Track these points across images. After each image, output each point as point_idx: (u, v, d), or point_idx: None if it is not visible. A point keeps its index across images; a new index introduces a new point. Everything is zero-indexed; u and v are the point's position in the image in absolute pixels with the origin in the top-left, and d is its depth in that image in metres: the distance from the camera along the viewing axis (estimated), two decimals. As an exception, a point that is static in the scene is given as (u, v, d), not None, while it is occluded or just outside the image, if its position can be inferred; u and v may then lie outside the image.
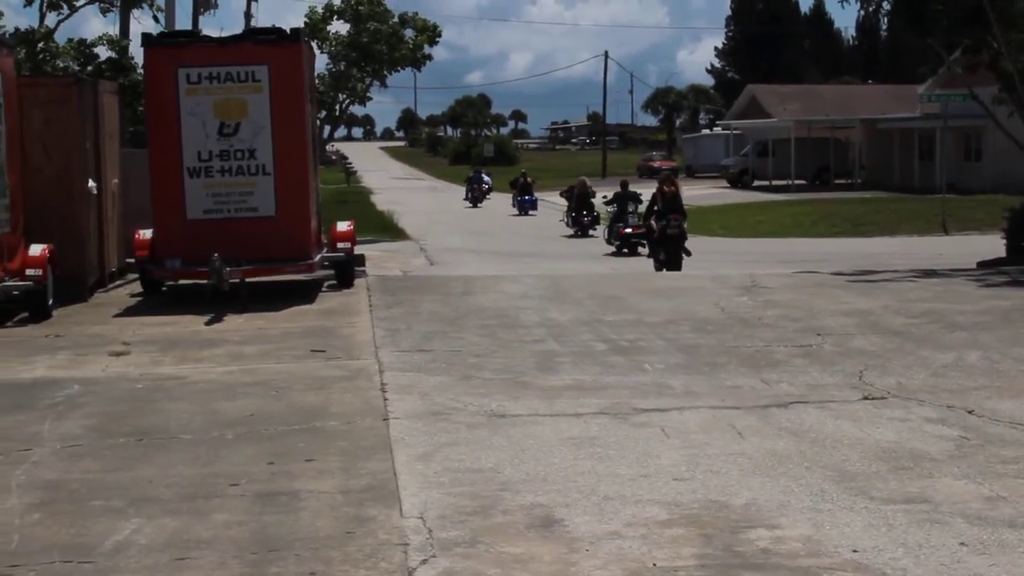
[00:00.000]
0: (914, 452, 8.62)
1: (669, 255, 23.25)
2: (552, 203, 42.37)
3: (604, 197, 35.62)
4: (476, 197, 56.68)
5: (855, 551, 6.55)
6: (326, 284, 19.73)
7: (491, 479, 8.04)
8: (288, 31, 18.62)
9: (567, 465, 8.36)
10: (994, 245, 24.58)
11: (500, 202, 55.31)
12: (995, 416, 9.73)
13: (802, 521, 7.09)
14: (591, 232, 35.79)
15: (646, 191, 56.79)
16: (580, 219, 37.48)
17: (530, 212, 49.47)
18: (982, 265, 22.83)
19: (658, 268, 23.69)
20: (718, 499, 7.53)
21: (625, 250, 30.17)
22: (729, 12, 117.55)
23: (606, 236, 32.61)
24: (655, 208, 24.27)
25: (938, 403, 10.24)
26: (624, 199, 31.74)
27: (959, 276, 20.78)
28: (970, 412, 9.89)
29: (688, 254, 23.71)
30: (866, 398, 10.48)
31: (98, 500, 7.68)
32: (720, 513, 7.26)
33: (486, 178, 59.06)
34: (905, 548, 6.59)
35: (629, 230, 30.09)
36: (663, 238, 23.48)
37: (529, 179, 52.36)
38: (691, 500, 7.52)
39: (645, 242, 26.95)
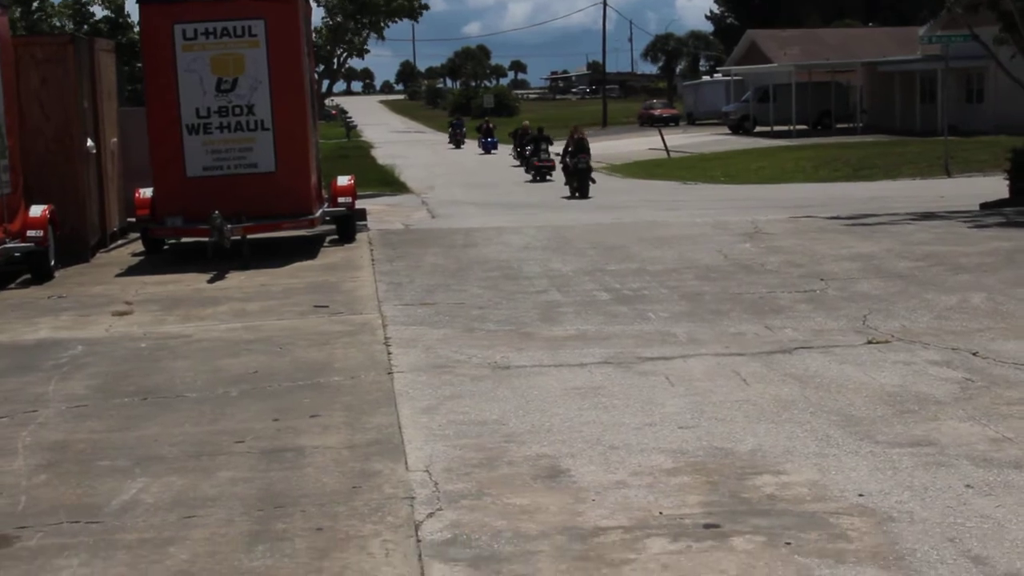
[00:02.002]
0: (919, 395, 8.61)
1: (579, 183, 30.86)
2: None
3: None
4: (458, 140, 67.90)
5: (861, 495, 6.55)
6: (328, 239, 19.73)
7: (496, 431, 8.05)
8: (284, -15, 18.48)
9: (572, 415, 8.36)
10: (997, 186, 24.47)
11: (473, 144, 63.68)
12: (1000, 357, 9.72)
13: (808, 466, 7.09)
14: (535, 163, 42.45)
15: (648, 139, 57.01)
16: (523, 153, 45.92)
17: (492, 151, 59.19)
18: (985, 207, 22.75)
19: (572, 193, 31.12)
20: (723, 446, 7.53)
21: (537, 177, 39.15)
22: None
23: (524, 168, 42.47)
24: (569, 149, 31.61)
25: (942, 346, 10.22)
26: (539, 141, 40.29)
27: (962, 218, 20.74)
28: (975, 354, 9.87)
29: (593, 182, 31.36)
30: (870, 342, 10.46)
31: (104, 460, 7.69)
32: (726, 460, 7.26)
33: (463, 126, 71.75)
34: (911, 491, 6.58)
35: (539, 162, 39.37)
36: (575, 171, 30.98)
37: (491, 125, 63.71)
38: (696, 448, 7.52)
39: (553, 173, 37.48)
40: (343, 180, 20.21)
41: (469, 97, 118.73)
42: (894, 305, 12.20)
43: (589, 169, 30.99)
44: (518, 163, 47.14)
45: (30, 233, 16.11)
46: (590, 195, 30.49)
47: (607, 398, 8.80)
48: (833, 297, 12.80)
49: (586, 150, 31.19)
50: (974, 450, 7.28)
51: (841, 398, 8.60)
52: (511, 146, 52.18)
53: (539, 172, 39.18)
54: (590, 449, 7.55)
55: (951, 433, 7.67)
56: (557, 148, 37.07)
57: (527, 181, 39.32)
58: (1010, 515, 6.18)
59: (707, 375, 9.44)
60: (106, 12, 30.56)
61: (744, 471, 7.04)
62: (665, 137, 55.01)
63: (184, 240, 19.06)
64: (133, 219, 19.87)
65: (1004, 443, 7.42)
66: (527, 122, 51.05)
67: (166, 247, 19.16)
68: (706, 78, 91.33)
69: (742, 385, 9.08)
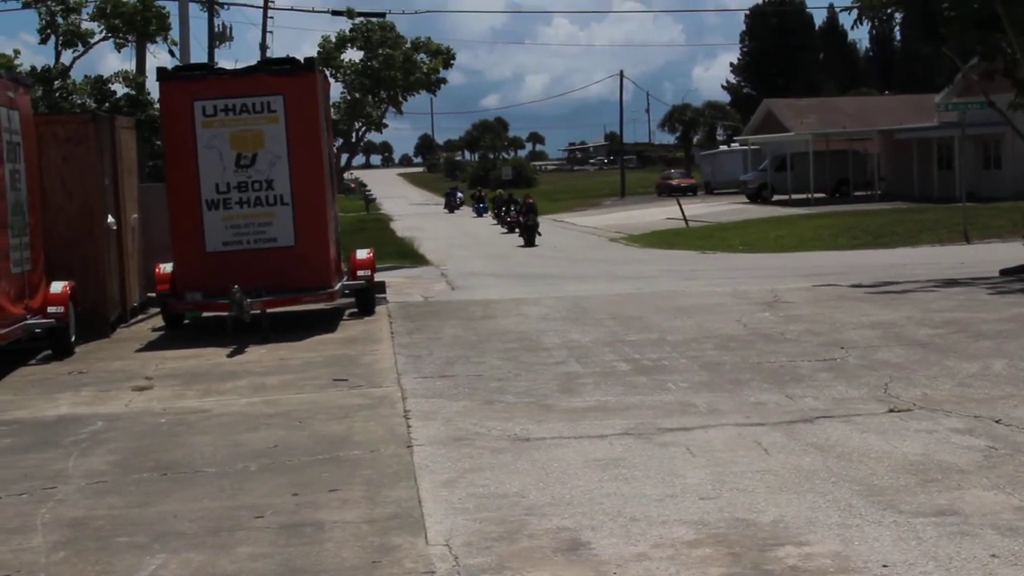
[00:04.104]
0: (942, 464, 8.55)
1: (528, 235, 44.81)
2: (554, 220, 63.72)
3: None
4: (453, 206, 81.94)
5: (885, 566, 6.48)
6: (347, 312, 19.75)
7: (516, 503, 8.00)
8: (302, 61, 18.65)
9: (592, 487, 8.31)
10: (1016, 252, 24.44)
11: (466, 211, 76.55)
12: (1023, 425, 9.64)
13: (831, 537, 7.02)
14: (507, 220, 56.09)
15: (666, 209, 57.20)
16: (499, 214, 59.84)
17: (483, 215, 72.14)
18: (1005, 273, 22.71)
19: (524, 243, 44.28)
20: (745, 517, 7.47)
21: (506, 230, 54.01)
22: (743, 27, 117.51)
23: (500, 224, 57.71)
24: (522, 210, 46.72)
25: (965, 413, 10.16)
26: (507, 202, 58.58)
27: (982, 284, 20.68)
28: (997, 421, 9.81)
29: (539, 234, 45.15)
30: (892, 410, 10.40)
31: (123, 536, 7.66)
32: (747, 531, 7.20)
33: (459, 194, 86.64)
34: (936, 562, 6.52)
35: (509, 219, 54.48)
36: (525, 227, 45.15)
37: (483, 193, 78.91)
38: (718, 519, 7.46)
39: (518, 227, 48.63)
40: (362, 253, 20.27)
41: (488, 169, 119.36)
42: (915, 373, 12.14)
43: (536, 225, 45.05)
44: (495, 222, 60.53)
45: (51, 309, 16.18)
46: (536, 244, 44.06)
47: (628, 469, 8.76)
48: (854, 365, 12.75)
49: (534, 211, 45.87)
50: (999, 519, 7.21)
51: (863, 467, 8.53)
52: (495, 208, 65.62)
53: (509, 227, 53.86)
54: (611, 521, 7.50)
55: (975, 502, 7.60)
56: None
57: (502, 233, 54.46)
58: (1037, 585, 6.11)
59: (728, 445, 9.39)
60: (127, 90, 30.86)
61: (766, 542, 6.98)
62: (683, 207, 55.16)
63: (204, 315, 19.11)
64: (153, 294, 19.93)
65: (1029, 512, 7.34)
66: (501, 190, 72.58)
67: (186, 322, 19.20)
68: (723, 147, 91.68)
69: (763, 455, 9.02)
